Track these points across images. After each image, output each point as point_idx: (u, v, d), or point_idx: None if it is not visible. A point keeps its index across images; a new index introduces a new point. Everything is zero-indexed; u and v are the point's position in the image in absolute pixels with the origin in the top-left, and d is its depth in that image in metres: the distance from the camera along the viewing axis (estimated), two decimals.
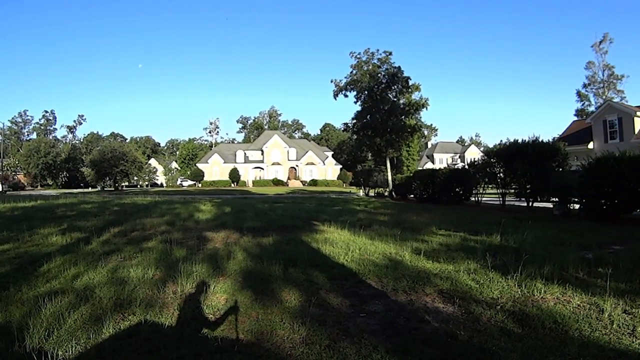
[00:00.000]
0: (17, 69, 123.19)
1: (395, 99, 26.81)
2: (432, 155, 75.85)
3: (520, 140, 13.95)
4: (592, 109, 43.64)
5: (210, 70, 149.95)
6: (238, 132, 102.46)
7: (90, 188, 53.50)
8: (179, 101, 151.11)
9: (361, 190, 34.43)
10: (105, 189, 48.57)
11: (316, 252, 5.63)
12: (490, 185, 16.61)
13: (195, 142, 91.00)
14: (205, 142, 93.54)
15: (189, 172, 63.32)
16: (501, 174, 14.95)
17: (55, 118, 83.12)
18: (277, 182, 57.28)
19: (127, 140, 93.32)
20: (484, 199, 17.51)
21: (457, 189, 17.63)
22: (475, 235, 7.03)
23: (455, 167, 23.47)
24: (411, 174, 24.13)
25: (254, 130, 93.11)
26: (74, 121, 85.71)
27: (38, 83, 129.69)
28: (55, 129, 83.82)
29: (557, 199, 12.22)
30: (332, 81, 28.06)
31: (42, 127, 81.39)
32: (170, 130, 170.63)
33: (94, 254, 5.33)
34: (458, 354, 2.51)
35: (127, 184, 58.02)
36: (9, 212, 10.70)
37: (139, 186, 60.91)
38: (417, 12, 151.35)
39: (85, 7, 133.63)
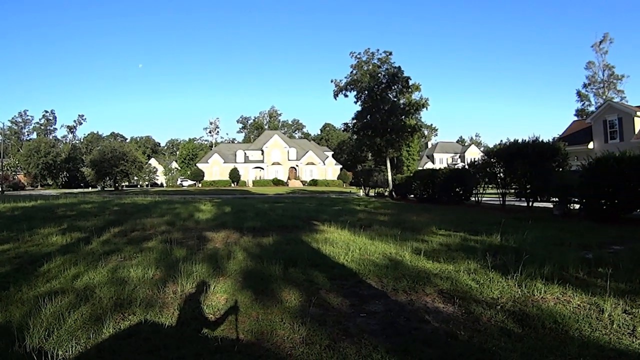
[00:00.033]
0: (17, 69, 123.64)
1: (395, 99, 26.83)
2: (432, 155, 75.87)
3: (520, 140, 13.96)
4: (592, 109, 43.63)
5: (210, 70, 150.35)
6: (238, 132, 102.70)
7: (90, 188, 53.52)
8: (179, 101, 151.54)
9: (361, 190, 34.45)
10: (106, 188, 48.57)
11: (316, 252, 5.63)
12: (490, 185, 16.60)
13: (195, 142, 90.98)
14: (206, 142, 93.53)
15: (189, 172, 63.31)
16: (501, 174, 14.95)
17: (55, 118, 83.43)
18: (277, 182, 57.27)
19: (127, 140, 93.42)
20: (484, 199, 17.50)
21: (457, 189, 17.64)
22: (475, 235, 7.04)
23: (456, 167, 23.47)
24: (411, 174, 24.13)
25: (254, 130, 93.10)
26: (74, 121, 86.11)
27: (38, 83, 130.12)
28: (56, 129, 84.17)
29: (557, 199, 12.22)
30: (332, 81, 28.17)
31: (42, 127, 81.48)
32: (170, 130, 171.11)
33: (94, 254, 5.32)
34: (458, 354, 2.51)
35: (127, 184, 58.02)
36: (9, 212, 10.71)
37: (139, 186, 60.97)
38: (417, 12, 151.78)
39: (85, 7, 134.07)
